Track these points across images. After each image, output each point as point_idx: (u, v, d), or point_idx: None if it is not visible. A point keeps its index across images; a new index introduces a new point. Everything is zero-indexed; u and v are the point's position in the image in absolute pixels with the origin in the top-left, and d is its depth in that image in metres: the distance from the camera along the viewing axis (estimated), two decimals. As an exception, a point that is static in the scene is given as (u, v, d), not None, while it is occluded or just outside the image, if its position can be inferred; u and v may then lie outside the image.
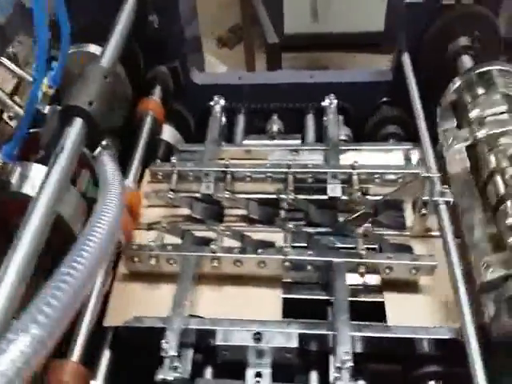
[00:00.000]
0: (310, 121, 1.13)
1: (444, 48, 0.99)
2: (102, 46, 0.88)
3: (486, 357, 0.68)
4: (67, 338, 0.73)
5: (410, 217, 0.87)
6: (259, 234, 0.86)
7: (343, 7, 2.38)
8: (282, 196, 0.87)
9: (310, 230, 0.86)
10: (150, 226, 0.87)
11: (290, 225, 0.81)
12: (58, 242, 0.64)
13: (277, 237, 0.83)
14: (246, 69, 2.24)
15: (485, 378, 0.62)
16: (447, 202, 0.79)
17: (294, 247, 0.80)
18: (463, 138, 0.83)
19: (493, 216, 0.74)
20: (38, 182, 0.66)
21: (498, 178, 0.75)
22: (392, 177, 0.87)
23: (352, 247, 0.80)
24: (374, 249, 0.82)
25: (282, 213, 0.88)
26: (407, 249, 0.83)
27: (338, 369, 0.65)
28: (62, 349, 0.69)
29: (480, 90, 0.82)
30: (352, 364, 0.64)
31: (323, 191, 0.89)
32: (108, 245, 0.57)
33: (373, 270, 0.77)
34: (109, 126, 1.05)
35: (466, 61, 0.97)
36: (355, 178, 0.88)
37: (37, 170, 0.75)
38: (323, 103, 1.03)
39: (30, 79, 0.87)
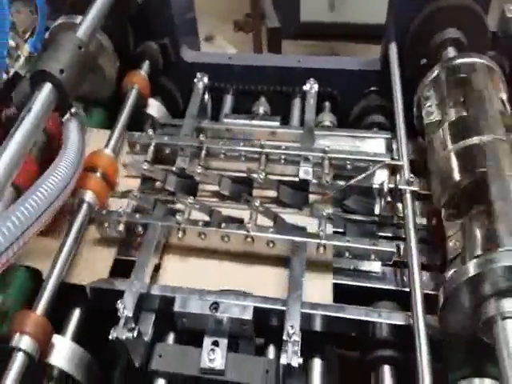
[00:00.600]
0: (296, 105, 1.14)
1: (429, 39, 0.99)
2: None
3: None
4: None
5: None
6: (228, 210, 0.88)
7: (360, -2, 2.38)
8: (253, 175, 0.88)
9: (280, 209, 0.89)
10: (122, 195, 0.90)
11: (257, 203, 0.83)
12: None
13: (246, 214, 0.85)
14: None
15: (429, 367, 0.63)
16: (413, 191, 0.80)
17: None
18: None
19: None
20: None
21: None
22: (362, 164, 0.88)
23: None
24: (342, 232, 0.84)
25: (254, 191, 0.90)
26: (372, 234, 0.84)
27: (285, 342, 0.66)
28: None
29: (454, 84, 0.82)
30: (298, 339, 0.66)
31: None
32: (58, 194, 0.63)
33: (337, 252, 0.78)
34: (96, 96, 1.10)
35: (451, 52, 0.96)
36: (326, 162, 0.89)
37: None
38: (304, 87, 1.03)
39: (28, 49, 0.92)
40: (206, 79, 1.07)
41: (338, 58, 1.48)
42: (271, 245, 0.79)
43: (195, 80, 1.07)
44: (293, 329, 0.66)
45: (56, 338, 0.73)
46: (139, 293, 0.73)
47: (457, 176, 0.72)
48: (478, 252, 0.64)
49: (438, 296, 0.67)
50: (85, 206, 0.84)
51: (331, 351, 0.80)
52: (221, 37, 2.37)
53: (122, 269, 0.81)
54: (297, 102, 1.13)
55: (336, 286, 0.79)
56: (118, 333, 0.69)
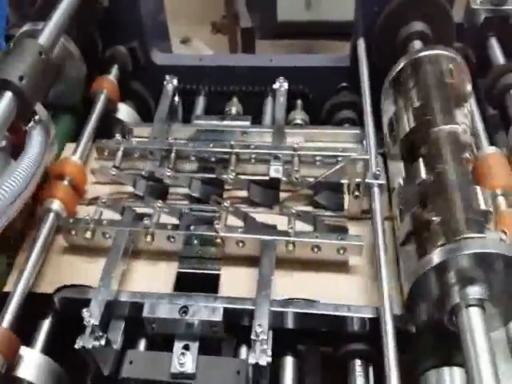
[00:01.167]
0: (268, 104, 1.13)
1: (395, 33, 0.99)
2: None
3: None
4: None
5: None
6: (199, 212, 0.88)
7: (336, -5, 2.38)
8: (223, 176, 0.88)
9: (251, 209, 0.88)
10: (90, 202, 0.89)
11: (226, 203, 0.82)
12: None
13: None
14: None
15: (395, 359, 0.62)
16: (380, 185, 0.80)
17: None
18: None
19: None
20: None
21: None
22: (332, 160, 0.88)
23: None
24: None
25: (226, 192, 0.89)
26: (342, 230, 0.84)
27: (253, 341, 0.66)
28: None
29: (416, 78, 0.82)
30: (266, 337, 0.66)
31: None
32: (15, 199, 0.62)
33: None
34: (64, 103, 1.09)
35: (417, 46, 0.96)
36: (296, 159, 0.88)
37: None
38: (274, 86, 1.03)
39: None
40: (175, 81, 1.07)
41: (308, 55, 1.48)
42: (241, 245, 0.78)
43: (164, 83, 1.06)
44: (261, 327, 0.66)
45: (24, 351, 0.71)
46: (106, 300, 0.72)
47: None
48: (441, 242, 0.63)
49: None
50: (52, 215, 0.83)
51: (315, 352, 0.80)
52: (197, 39, 2.37)
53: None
54: (269, 102, 1.13)
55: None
56: (85, 342, 0.68)
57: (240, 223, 0.83)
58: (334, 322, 0.73)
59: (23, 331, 0.73)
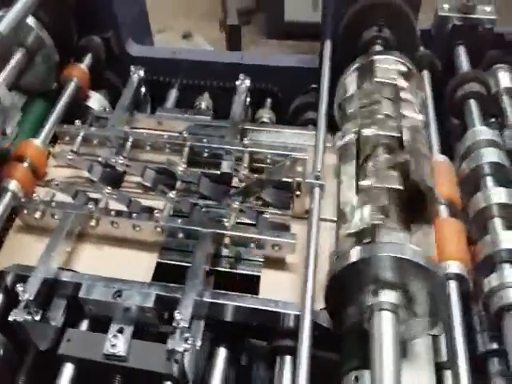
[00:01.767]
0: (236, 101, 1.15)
1: (359, 36, 1.00)
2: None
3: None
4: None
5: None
6: (148, 201, 0.90)
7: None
8: (176, 167, 0.90)
9: (200, 201, 0.90)
10: (45, 184, 0.92)
11: (172, 194, 0.84)
12: None
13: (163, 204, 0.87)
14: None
15: (308, 357, 0.63)
16: (320, 185, 0.81)
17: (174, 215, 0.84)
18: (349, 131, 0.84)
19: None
20: None
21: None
22: (281, 158, 0.89)
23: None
24: (253, 224, 0.85)
25: (178, 183, 0.91)
26: (285, 228, 0.85)
27: (173, 328, 0.68)
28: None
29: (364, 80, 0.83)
30: (186, 325, 0.68)
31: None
32: None
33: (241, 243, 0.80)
34: (38, 89, 1.12)
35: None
36: (246, 155, 0.90)
37: None
38: (237, 83, 1.05)
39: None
40: (141, 72, 1.09)
41: (279, 55, 1.49)
42: (181, 235, 0.81)
43: (130, 73, 1.09)
44: (181, 315, 0.68)
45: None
46: (43, 278, 0.75)
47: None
48: (357, 243, 0.65)
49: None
50: (8, 195, 0.87)
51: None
52: (200, 35, 2.39)
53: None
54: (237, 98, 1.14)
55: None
56: (17, 315, 0.71)
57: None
58: (263, 316, 0.74)
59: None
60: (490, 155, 0.80)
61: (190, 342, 0.68)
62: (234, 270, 0.80)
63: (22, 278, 0.78)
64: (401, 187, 0.68)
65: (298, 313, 0.72)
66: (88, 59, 1.13)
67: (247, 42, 2.65)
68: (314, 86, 1.17)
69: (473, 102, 0.92)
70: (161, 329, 0.77)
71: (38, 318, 0.72)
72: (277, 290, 0.78)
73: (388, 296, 0.62)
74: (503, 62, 1.00)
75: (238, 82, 1.04)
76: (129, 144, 0.93)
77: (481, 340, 0.71)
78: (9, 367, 0.80)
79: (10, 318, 0.71)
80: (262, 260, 0.81)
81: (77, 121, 0.97)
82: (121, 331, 0.76)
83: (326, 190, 0.83)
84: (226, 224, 0.79)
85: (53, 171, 0.97)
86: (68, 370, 0.75)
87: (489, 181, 0.78)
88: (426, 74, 1.00)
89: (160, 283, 0.77)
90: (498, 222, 0.74)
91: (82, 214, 0.83)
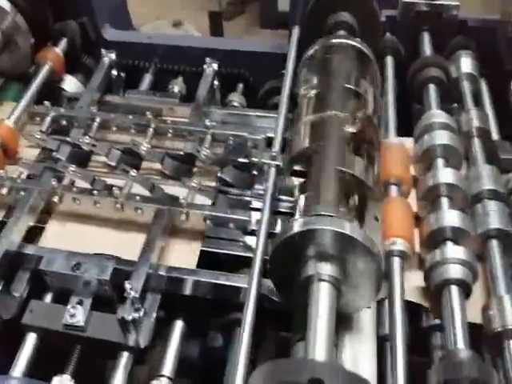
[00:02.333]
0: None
1: (323, 22, 1.01)
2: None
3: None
4: None
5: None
6: (113, 180, 0.92)
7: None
8: (139, 147, 0.92)
9: (163, 181, 0.93)
10: (15, 162, 0.94)
11: (133, 173, 0.87)
12: None
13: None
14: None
15: (249, 339, 0.64)
16: (276, 166, 0.83)
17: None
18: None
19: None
20: None
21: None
22: (241, 139, 0.91)
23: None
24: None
25: (145, 163, 0.94)
26: (245, 206, 0.88)
27: (124, 299, 0.71)
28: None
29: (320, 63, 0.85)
30: (137, 295, 0.71)
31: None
32: None
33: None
34: (13, 72, 1.15)
35: (342, 36, 0.98)
36: (208, 137, 0.93)
37: None
38: (204, 66, 1.07)
39: None
40: (113, 56, 1.11)
41: (252, 40, 1.50)
42: (139, 211, 0.83)
43: (101, 56, 1.11)
44: (130, 285, 0.71)
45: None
46: (4, 250, 0.78)
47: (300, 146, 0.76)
48: (302, 215, 0.67)
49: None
50: (-23, 173, 0.90)
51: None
52: (190, 23, 2.41)
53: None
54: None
55: (204, 253, 0.83)
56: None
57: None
58: (215, 290, 0.77)
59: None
60: (442, 137, 0.82)
61: (141, 312, 0.71)
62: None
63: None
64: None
65: (246, 286, 0.75)
66: (63, 43, 1.16)
67: (241, 31, 2.67)
68: (284, 71, 1.20)
69: (432, 87, 0.93)
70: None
71: (-1, 288, 0.76)
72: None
73: (325, 268, 0.64)
74: (466, 48, 1.01)
75: (204, 66, 1.06)
76: (95, 125, 0.96)
77: (424, 315, 0.73)
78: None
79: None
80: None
81: (46, 102, 0.99)
82: (80, 303, 0.79)
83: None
84: (182, 201, 0.82)
85: (25, 151, 1.00)
86: (31, 339, 0.78)
87: (439, 162, 0.80)
88: (389, 59, 1.02)
89: (119, 257, 0.80)
90: (444, 201, 0.76)
91: (45, 191, 0.85)
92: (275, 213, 0.86)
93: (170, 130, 0.94)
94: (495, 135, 0.91)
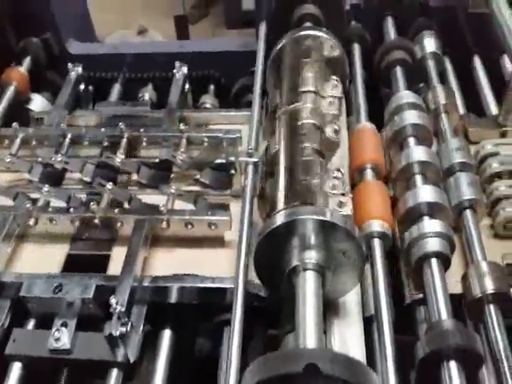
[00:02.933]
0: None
1: (289, 17, 1.01)
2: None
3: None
4: None
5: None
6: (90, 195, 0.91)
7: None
8: (114, 159, 0.91)
9: (141, 191, 0.91)
10: (-14, 188, 0.93)
11: (109, 186, 0.86)
12: None
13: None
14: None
15: (239, 334, 0.64)
16: (254, 162, 0.83)
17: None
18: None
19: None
20: None
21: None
22: (216, 140, 0.91)
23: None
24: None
25: (118, 175, 0.93)
26: (224, 207, 0.87)
27: (109, 315, 0.70)
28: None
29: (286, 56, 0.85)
30: (123, 309, 0.69)
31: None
32: None
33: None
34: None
35: (308, 28, 0.98)
36: (183, 141, 0.92)
37: None
38: (174, 71, 1.06)
39: None
40: (79, 69, 1.09)
41: (218, 40, 1.50)
42: (119, 224, 0.82)
43: (68, 71, 1.09)
44: (116, 299, 0.69)
45: None
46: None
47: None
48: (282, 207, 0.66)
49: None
50: None
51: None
52: (156, 30, 2.39)
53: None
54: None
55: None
56: None
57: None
58: (202, 294, 0.76)
59: None
60: (412, 117, 0.82)
61: (128, 326, 0.70)
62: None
63: None
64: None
65: (233, 286, 0.74)
66: (28, 61, 1.14)
67: (207, 34, 2.67)
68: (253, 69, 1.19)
69: (398, 69, 0.94)
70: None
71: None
72: (218, 267, 0.80)
73: (309, 256, 0.64)
74: (429, 29, 1.02)
75: (174, 70, 1.05)
76: (67, 141, 0.94)
77: (407, 291, 0.73)
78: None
79: None
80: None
81: (14, 123, 0.97)
82: (65, 325, 0.77)
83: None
84: (162, 209, 0.81)
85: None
86: (16, 369, 0.76)
87: (411, 141, 0.81)
88: (356, 46, 1.02)
89: (100, 274, 0.79)
90: (418, 179, 0.76)
91: (20, 214, 0.83)
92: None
93: (145, 139, 0.93)
94: (462, 110, 0.93)
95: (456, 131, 0.87)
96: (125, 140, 0.93)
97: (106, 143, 0.94)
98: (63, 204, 0.87)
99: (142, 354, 0.76)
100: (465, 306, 0.67)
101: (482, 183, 0.83)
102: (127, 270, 0.75)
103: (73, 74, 1.09)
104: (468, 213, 0.74)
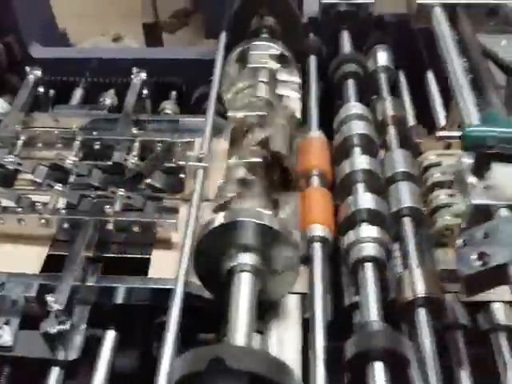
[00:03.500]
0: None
1: (247, 27, 1.04)
2: None
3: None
4: None
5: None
6: (42, 197, 0.91)
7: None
8: (65, 161, 0.91)
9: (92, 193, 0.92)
10: None
11: (59, 186, 0.86)
12: None
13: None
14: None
15: (174, 340, 0.63)
16: (203, 167, 0.84)
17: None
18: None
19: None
20: None
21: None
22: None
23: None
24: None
25: (72, 177, 0.93)
26: (173, 211, 0.88)
27: (47, 312, 0.70)
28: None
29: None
30: (60, 308, 0.70)
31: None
32: None
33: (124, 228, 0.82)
34: None
35: (264, 38, 1.01)
36: (136, 145, 0.93)
37: None
38: (132, 76, 1.07)
39: None
40: (38, 73, 1.10)
41: (180, 48, 1.52)
42: (66, 225, 0.82)
43: (26, 74, 1.10)
44: (52, 298, 0.70)
45: None
46: None
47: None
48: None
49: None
50: None
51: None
52: (132, 38, 2.41)
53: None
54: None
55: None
56: None
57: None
58: (144, 295, 0.77)
59: None
60: (358, 127, 0.85)
61: (67, 324, 0.70)
62: (123, 255, 0.83)
63: None
64: (259, 160, 0.71)
65: (173, 287, 0.74)
66: (-13, 65, 1.15)
67: (185, 43, 2.69)
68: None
69: (350, 82, 0.97)
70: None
71: None
72: (166, 269, 0.80)
73: (246, 258, 0.65)
74: (382, 42, 1.06)
75: (132, 76, 1.06)
76: (20, 142, 0.94)
77: (346, 294, 0.75)
78: None
79: None
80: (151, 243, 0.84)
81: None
82: (7, 323, 0.76)
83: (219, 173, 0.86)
84: (109, 211, 0.81)
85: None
86: (-40, 368, 0.75)
87: (356, 151, 0.83)
88: (312, 58, 1.05)
89: (45, 273, 0.79)
90: (360, 186, 0.79)
91: (-33, 215, 0.83)
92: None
93: (97, 142, 0.94)
94: (412, 122, 0.96)
95: (403, 142, 0.90)
96: (77, 143, 0.94)
97: (59, 145, 0.95)
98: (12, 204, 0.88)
99: (86, 353, 0.75)
100: (397, 310, 0.68)
101: (425, 193, 0.86)
102: (69, 269, 0.75)
103: (31, 77, 1.09)
104: (406, 220, 0.76)
